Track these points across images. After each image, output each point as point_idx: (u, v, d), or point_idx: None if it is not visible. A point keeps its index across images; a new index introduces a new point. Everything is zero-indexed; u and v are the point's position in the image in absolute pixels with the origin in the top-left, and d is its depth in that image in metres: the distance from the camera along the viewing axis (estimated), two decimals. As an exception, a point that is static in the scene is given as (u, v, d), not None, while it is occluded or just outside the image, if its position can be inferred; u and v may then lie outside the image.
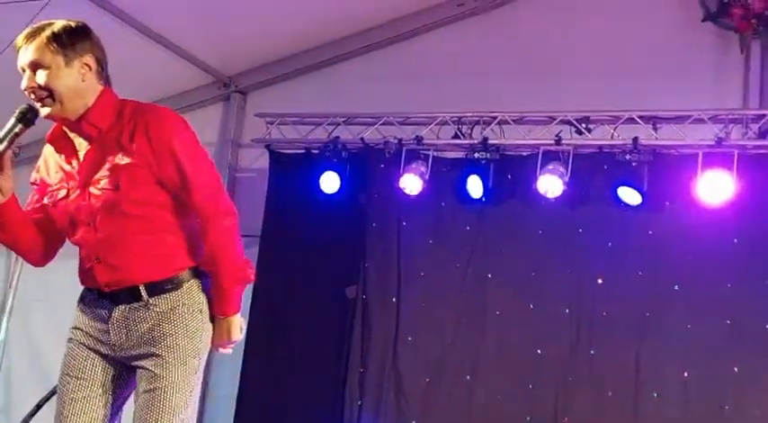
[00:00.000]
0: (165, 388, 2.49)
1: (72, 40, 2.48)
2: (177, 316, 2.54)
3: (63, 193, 2.58)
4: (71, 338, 2.70)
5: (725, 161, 5.74)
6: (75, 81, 2.49)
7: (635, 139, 5.98)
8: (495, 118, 6.41)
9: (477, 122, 6.49)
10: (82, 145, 2.56)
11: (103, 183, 2.49)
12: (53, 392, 5.57)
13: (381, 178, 6.68)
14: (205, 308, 2.63)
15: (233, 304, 2.64)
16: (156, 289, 2.53)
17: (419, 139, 6.49)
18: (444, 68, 6.73)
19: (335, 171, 6.59)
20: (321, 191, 6.62)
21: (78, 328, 2.67)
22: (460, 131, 6.54)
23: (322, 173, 6.59)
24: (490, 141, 6.32)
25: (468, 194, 6.36)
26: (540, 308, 6.23)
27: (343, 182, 6.61)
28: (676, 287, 5.95)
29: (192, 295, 2.58)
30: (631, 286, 6.05)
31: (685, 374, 5.82)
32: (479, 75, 6.60)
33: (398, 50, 6.97)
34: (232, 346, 2.72)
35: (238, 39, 6.67)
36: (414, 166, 6.43)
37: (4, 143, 2.48)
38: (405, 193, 6.46)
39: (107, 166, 2.49)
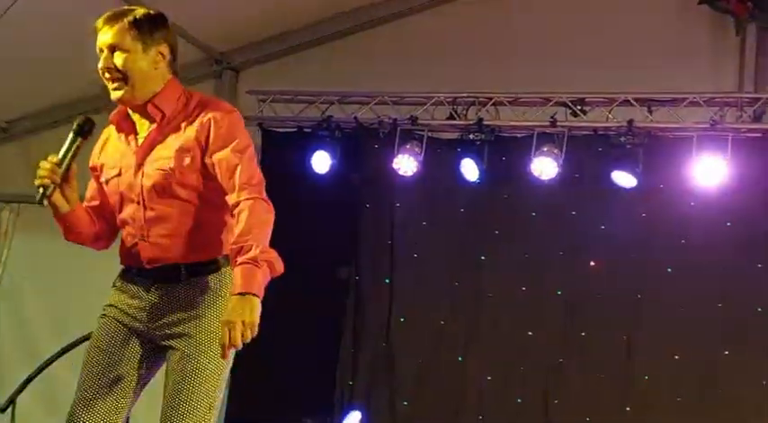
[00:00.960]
0: (197, 369, 2.53)
1: (151, 27, 2.62)
2: (213, 297, 2.60)
3: (116, 170, 2.67)
4: (104, 314, 2.73)
5: (719, 144, 5.73)
6: (149, 67, 2.61)
7: (630, 122, 5.95)
8: (490, 99, 6.36)
9: (473, 103, 6.44)
10: (143, 127, 2.67)
11: (159, 164, 2.60)
12: (41, 369, 5.60)
13: (375, 158, 6.64)
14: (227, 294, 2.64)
15: (257, 282, 2.48)
16: (196, 270, 2.61)
17: (414, 120, 6.45)
18: (440, 48, 6.67)
19: (328, 150, 6.54)
20: (313, 170, 6.58)
21: (113, 305, 2.71)
22: (455, 112, 6.50)
23: (314, 152, 6.54)
24: (485, 122, 6.28)
25: (462, 176, 6.34)
26: (532, 290, 6.23)
27: (337, 161, 6.56)
28: (669, 270, 5.96)
29: (227, 279, 2.61)
30: (624, 269, 6.05)
31: (676, 357, 5.84)
32: (475, 55, 6.55)
33: (394, 29, 6.90)
34: (244, 339, 2.44)
35: (232, 15, 6.59)
36: (408, 146, 6.39)
37: (68, 158, 2.61)
38: (399, 174, 6.42)
39: (165, 148, 2.61)
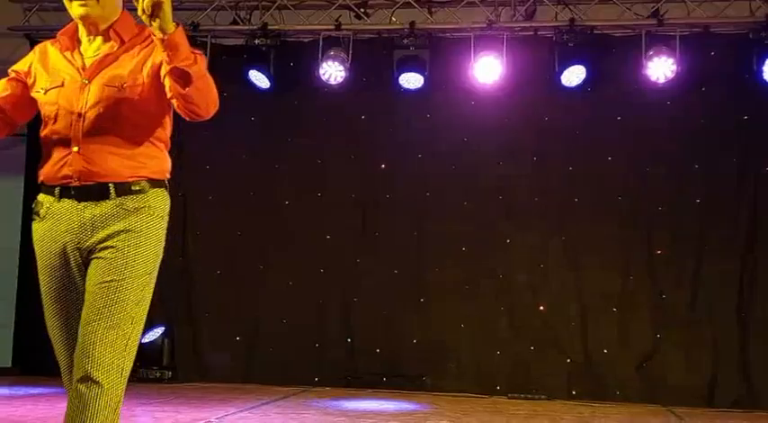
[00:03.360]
0: (123, 281, 2.56)
1: None
2: (142, 216, 2.63)
3: (59, 82, 2.67)
4: (44, 263, 2.68)
5: (495, 44, 5.99)
6: None
7: (412, 24, 6.08)
8: (273, 2, 6.24)
9: (256, 7, 6.30)
10: (91, 48, 2.70)
11: (110, 81, 2.62)
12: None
13: (157, 68, 6.35)
14: (167, 217, 2.71)
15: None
16: (124, 189, 2.62)
17: (195, 26, 6.21)
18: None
19: (106, 61, 6.18)
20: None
21: (43, 240, 2.66)
22: (239, 17, 6.33)
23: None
24: (270, 27, 6.17)
25: (251, 82, 6.23)
26: (327, 195, 6.34)
27: (115, 73, 6.22)
28: (454, 167, 6.26)
29: (156, 201, 2.66)
30: (412, 169, 6.28)
31: (463, 249, 6.21)
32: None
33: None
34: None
35: None
36: (191, 54, 6.15)
37: None
38: (183, 84, 6.20)
39: (118, 67, 2.64)
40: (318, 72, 6.08)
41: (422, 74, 6.07)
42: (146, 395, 5.41)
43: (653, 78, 5.86)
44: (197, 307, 6.45)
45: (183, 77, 2.45)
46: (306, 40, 6.32)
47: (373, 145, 6.33)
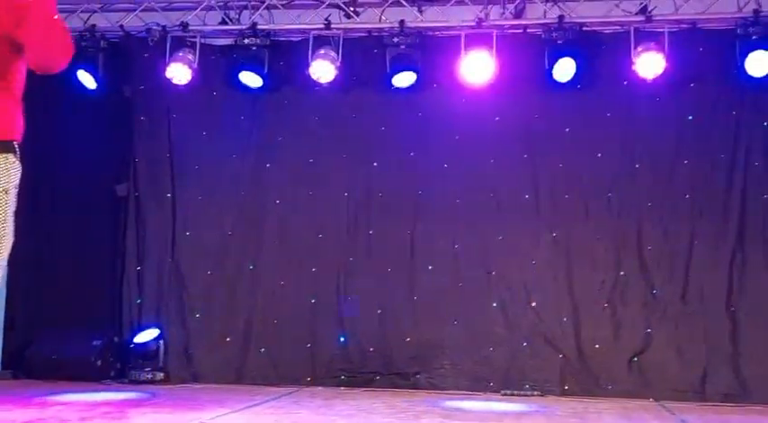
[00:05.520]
0: None
1: None
2: None
3: None
4: None
5: (485, 42, 6.00)
6: None
7: (401, 22, 6.08)
8: (263, 2, 6.23)
9: (245, 7, 6.29)
10: None
11: None
12: None
13: (146, 69, 6.35)
14: (13, 189, 2.27)
15: None
16: None
17: (184, 26, 6.20)
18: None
19: (94, 63, 6.17)
20: (80, 86, 6.19)
21: None
22: (228, 17, 6.32)
23: (79, 67, 6.12)
24: (260, 27, 6.17)
25: (240, 83, 6.22)
26: (318, 194, 6.33)
27: (104, 75, 6.22)
28: (446, 165, 6.26)
29: (5, 169, 2.24)
30: (404, 167, 6.29)
31: (456, 246, 6.22)
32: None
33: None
34: None
35: None
36: (180, 54, 6.15)
37: None
38: (173, 84, 6.20)
39: None
40: (308, 71, 6.07)
41: (413, 72, 6.07)
42: (138, 397, 5.39)
43: (642, 75, 5.88)
44: (188, 308, 6.42)
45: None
46: (295, 39, 6.31)
47: (365, 144, 6.33)
